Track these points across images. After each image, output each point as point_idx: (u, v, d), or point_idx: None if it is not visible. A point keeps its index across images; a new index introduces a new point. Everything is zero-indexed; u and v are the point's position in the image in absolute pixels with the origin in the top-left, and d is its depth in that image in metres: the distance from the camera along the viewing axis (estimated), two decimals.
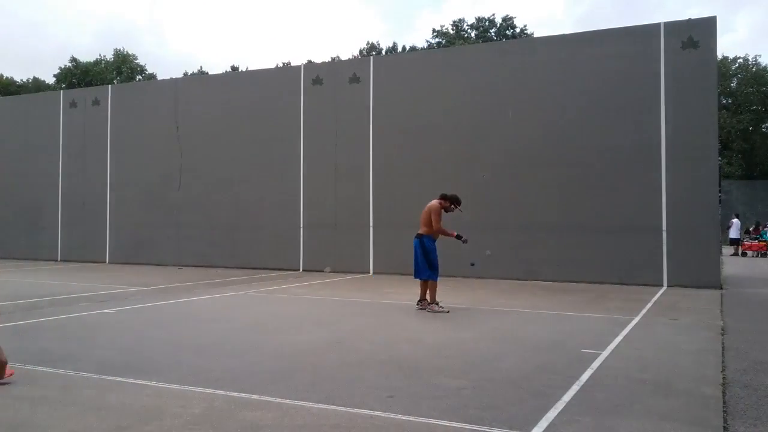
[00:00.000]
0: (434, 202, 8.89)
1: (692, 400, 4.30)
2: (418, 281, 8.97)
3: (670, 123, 12.47)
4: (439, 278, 8.83)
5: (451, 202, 8.84)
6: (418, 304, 8.89)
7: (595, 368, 5.16)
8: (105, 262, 18.20)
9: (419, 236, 8.84)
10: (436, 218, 8.73)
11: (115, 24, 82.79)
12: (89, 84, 47.27)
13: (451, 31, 54.22)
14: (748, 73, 51.91)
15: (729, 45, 74.39)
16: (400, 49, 55.04)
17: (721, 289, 11.77)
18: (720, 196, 13.49)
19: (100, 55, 58.25)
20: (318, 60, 36.66)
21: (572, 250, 13.05)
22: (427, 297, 8.86)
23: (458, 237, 8.80)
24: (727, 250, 24.67)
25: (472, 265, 10.69)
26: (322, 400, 4.17)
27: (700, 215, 12.13)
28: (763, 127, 52.76)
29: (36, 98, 23.91)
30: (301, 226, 15.74)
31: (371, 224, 14.97)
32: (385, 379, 4.78)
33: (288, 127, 16.02)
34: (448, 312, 8.50)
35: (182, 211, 17.21)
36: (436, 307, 8.63)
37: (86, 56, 71.84)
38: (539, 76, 13.61)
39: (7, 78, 54.56)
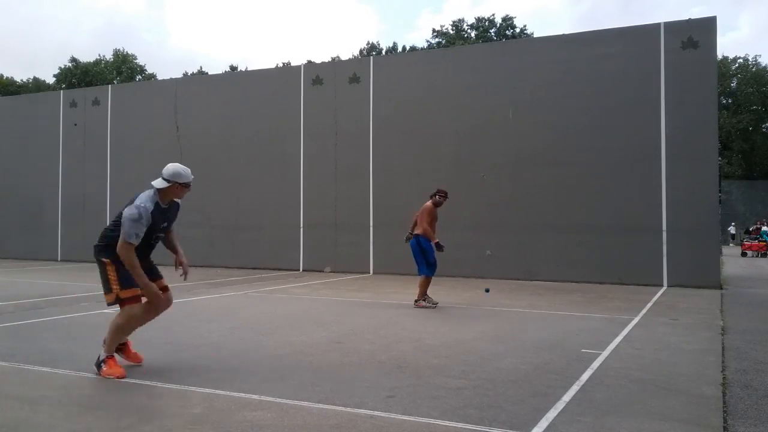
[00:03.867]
0: (426, 203, 9.06)
1: (692, 400, 4.30)
2: (414, 281, 9.02)
3: (670, 123, 12.48)
4: (432, 276, 8.92)
5: (438, 195, 9.02)
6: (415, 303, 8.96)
7: (595, 368, 5.16)
8: None
9: (416, 236, 8.96)
10: (422, 219, 8.93)
11: (115, 22, 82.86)
12: (89, 84, 47.31)
13: (451, 31, 54.28)
14: (748, 73, 51.95)
15: (732, 43, 74.62)
16: (400, 49, 55.10)
17: (721, 289, 11.77)
18: (720, 196, 13.50)
19: (99, 55, 58.33)
20: (318, 60, 36.64)
21: (572, 250, 13.06)
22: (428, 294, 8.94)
23: (437, 244, 8.86)
24: None
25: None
26: (322, 400, 4.17)
27: (700, 215, 12.14)
28: (763, 127, 52.80)
29: (36, 98, 23.89)
30: (301, 226, 15.74)
31: (371, 224, 14.97)
32: (385, 379, 4.78)
33: (288, 127, 16.02)
34: (434, 306, 8.67)
35: (182, 211, 17.17)
36: (423, 303, 8.75)
37: (85, 55, 71.97)
38: (539, 76, 13.61)
39: (7, 78, 54.61)
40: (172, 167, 4.91)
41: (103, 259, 4.78)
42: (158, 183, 4.85)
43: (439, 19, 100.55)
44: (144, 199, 4.75)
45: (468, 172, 14.03)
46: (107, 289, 4.79)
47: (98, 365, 4.81)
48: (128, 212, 4.66)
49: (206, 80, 22.48)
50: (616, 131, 12.91)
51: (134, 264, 4.66)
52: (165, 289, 5.11)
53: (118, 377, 4.71)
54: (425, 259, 8.86)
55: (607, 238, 12.82)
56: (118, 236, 4.66)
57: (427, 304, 8.77)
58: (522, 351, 5.88)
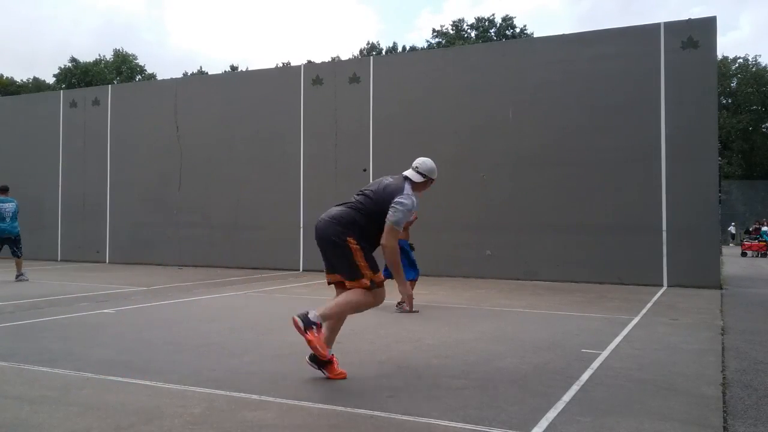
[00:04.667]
0: None
1: (692, 400, 4.30)
2: (414, 282, 8.96)
3: (670, 123, 12.48)
4: (416, 280, 8.95)
5: None
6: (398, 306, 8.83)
7: (595, 368, 5.16)
8: (105, 262, 18.20)
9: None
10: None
11: (114, 22, 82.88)
12: (89, 84, 47.33)
13: (451, 31, 54.33)
14: (748, 73, 51.98)
15: (732, 43, 74.73)
16: (400, 49, 55.16)
17: (721, 289, 11.77)
18: (720, 196, 13.50)
19: (99, 55, 58.38)
20: (318, 60, 36.65)
21: (572, 250, 13.06)
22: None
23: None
24: None
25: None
26: (322, 400, 4.17)
27: (700, 215, 12.14)
28: (763, 127, 52.84)
29: (36, 98, 23.91)
30: (301, 226, 15.73)
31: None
32: (385, 379, 4.78)
33: (288, 127, 16.02)
34: (410, 311, 8.54)
35: (182, 211, 17.21)
36: (405, 306, 8.65)
37: (85, 55, 71.99)
38: (539, 76, 13.61)
39: (7, 78, 54.64)
40: (429, 162, 4.73)
41: (352, 243, 4.39)
42: (415, 176, 4.65)
43: (439, 19, 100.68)
44: (409, 191, 4.52)
45: (468, 172, 14.03)
46: (357, 274, 4.42)
47: (306, 323, 4.33)
48: (404, 200, 4.42)
49: (206, 80, 22.48)
50: (616, 131, 12.91)
51: (397, 258, 4.44)
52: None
53: (321, 354, 4.40)
54: (407, 259, 8.76)
55: (607, 238, 12.82)
56: (364, 216, 4.42)
57: (408, 309, 8.52)
58: (522, 351, 5.88)
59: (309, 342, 4.33)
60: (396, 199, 4.43)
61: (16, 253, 12.59)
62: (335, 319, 4.69)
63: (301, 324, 4.32)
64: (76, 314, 8.03)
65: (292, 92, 16.09)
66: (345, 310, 4.55)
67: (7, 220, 12.58)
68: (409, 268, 8.77)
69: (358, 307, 4.54)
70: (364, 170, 14.79)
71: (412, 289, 8.73)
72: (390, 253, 4.45)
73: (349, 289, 4.57)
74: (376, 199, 4.51)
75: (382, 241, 4.43)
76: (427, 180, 4.75)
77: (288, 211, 15.90)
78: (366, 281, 4.43)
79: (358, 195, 4.70)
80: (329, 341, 4.73)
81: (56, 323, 7.33)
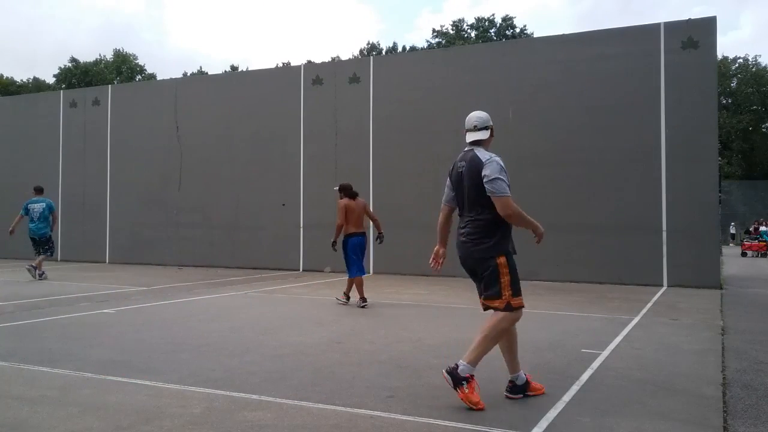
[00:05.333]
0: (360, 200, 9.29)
1: (692, 400, 4.30)
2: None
3: (670, 123, 12.47)
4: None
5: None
6: (363, 303, 8.98)
7: (595, 368, 5.16)
8: (105, 262, 18.20)
9: (364, 234, 9.17)
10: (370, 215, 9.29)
11: (114, 22, 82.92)
12: (89, 84, 47.33)
13: (451, 31, 54.34)
14: (748, 73, 51.97)
15: (733, 43, 74.75)
16: (400, 49, 55.18)
17: (721, 289, 11.77)
18: (720, 196, 13.50)
19: (99, 55, 58.39)
20: (318, 60, 36.64)
21: (572, 250, 13.05)
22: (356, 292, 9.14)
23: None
24: None
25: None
26: (322, 400, 4.17)
27: (700, 215, 12.13)
28: (763, 127, 52.84)
29: (36, 98, 23.89)
30: (301, 226, 15.73)
31: (371, 224, 14.93)
32: (385, 379, 4.78)
33: (288, 127, 16.01)
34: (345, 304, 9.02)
35: (182, 211, 17.20)
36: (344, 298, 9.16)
37: (85, 55, 72.03)
38: (539, 76, 13.61)
39: (7, 78, 54.65)
40: (482, 113, 4.26)
41: (498, 259, 4.22)
42: (480, 134, 4.18)
43: (439, 19, 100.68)
44: (484, 153, 4.10)
45: None
46: (496, 293, 4.16)
47: (456, 380, 4.03)
48: (488, 165, 4.00)
49: (206, 80, 22.48)
50: (616, 131, 12.90)
51: (523, 214, 4.09)
52: None
53: (476, 408, 3.97)
54: (355, 256, 9.08)
55: (607, 238, 12.81)
56: (499, 224, 4.12)
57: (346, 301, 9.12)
58: (522, 351, 5.83)
59: (461, 399, 4.01)
60: (482, 173, 4.03)
61: (38, 252, 12.70)
62: (507, 344, 4.40)
63: (450, 382, 4.04)
64: (76, 314, 8.03)
65: (292, 92, 16.09)
66: (489, 345, 4.14)
67: (35, 220, 12.66)
68: (356, 266, 8.94)
69: (499, 335, 4.18)
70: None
71: (362, 285, 8.97)
72: (513, 217, 4.13)
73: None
74: (473, 188, 4.10)
75: (501, 213, 4.07)
76: (492, 129, 4.29)
77: (288, 211, 15.90)
78: (502, 302, 4.16)
79: (460, 207, 4.34)
80: (513, 365, 4.39)
81: (56, 323, 7.33)
